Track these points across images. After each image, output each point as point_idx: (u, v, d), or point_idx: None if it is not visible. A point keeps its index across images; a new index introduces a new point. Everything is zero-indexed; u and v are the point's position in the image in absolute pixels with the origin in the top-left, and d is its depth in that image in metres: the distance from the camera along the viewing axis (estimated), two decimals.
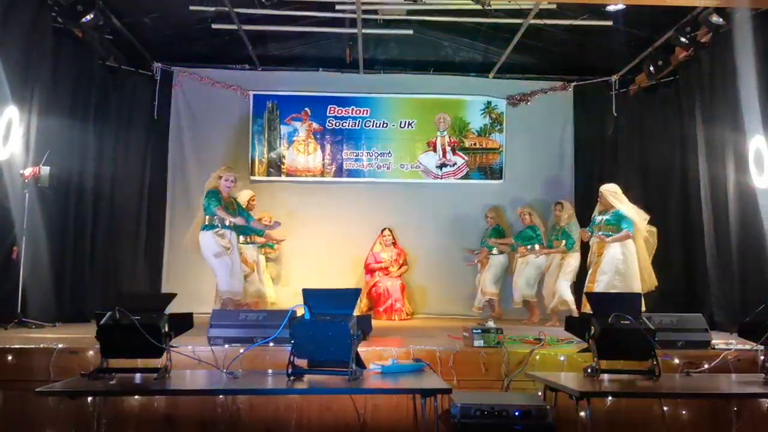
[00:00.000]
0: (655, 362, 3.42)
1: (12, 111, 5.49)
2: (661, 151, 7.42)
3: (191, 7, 6.67)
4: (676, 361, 3.94)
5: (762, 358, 3.94)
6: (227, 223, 5.84)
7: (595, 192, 6.54)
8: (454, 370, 4.03)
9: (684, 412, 3.83)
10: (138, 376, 3.27)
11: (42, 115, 5.90)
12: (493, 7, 6.30)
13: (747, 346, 4.10)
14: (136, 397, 3.70)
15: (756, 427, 3.78)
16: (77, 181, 6.62)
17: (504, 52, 7.60)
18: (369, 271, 7.73)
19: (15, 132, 5.56)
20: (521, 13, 6.65)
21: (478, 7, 5.92)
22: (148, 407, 3.72)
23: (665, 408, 3.82)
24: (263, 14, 6.89)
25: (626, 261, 5.87)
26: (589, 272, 6.15)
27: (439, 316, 7.69)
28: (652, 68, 7.17)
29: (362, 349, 3.59)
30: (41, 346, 3.97)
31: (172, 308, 3.42)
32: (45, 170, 5.69)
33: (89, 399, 3.41)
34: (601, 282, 5.88)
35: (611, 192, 6.19)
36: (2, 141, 5.44)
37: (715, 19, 5.96)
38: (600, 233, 6.05)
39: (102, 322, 3.23)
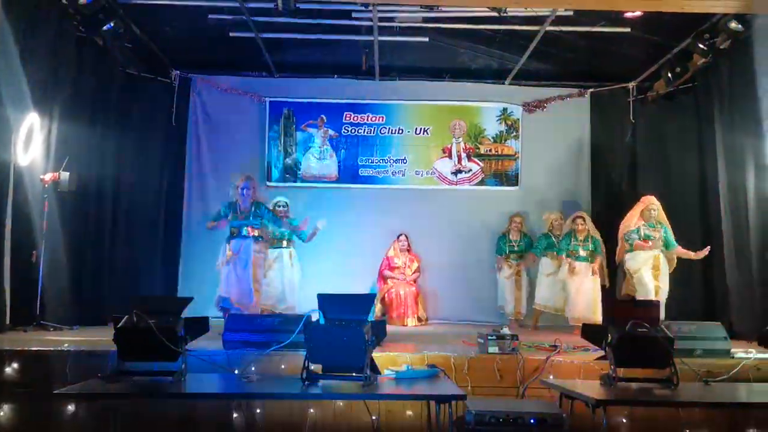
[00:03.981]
0: (673, 371, 3.38)
1: (33, 117, 5.58)
2: (679, 158, 7.35)
3: (210, 16, 6.76)
4: (695, 369, 3.89)
5: None
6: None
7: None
8: (469, 376, 4.02)
9: (702, 422, 3.78)
10: (154, 379, 3.30)
11: (63, 121, 6.01)
12: (509, 14, 6.30)
13: (767, 355, 4.04)
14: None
15: None
16: (96, 186, 6.72)
17: (520, 58, 7.58)
18: (383, 276, 7.72)
19: (36, 138, 5.65)
20: (538, 20, 6.63)
21: (495, 14, 5.90)
22: (164, 410, 3.75)
23: (683, 417, 3.77)
24: (280, 22, 6.94)
25: None
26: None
27: (453, 323, 7.64)
28: (670, 75, 7.08)
29: (376, 355, 3.59)
30: (59, 348, 4.02)
31: (188, 312, 3.46)
32: (65, 175, 5.78)
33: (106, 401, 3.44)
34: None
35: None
36: (24, 147, 5.53)
37: (735, 25, 5.90)
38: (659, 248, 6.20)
39: (119, 326, 3.28)
